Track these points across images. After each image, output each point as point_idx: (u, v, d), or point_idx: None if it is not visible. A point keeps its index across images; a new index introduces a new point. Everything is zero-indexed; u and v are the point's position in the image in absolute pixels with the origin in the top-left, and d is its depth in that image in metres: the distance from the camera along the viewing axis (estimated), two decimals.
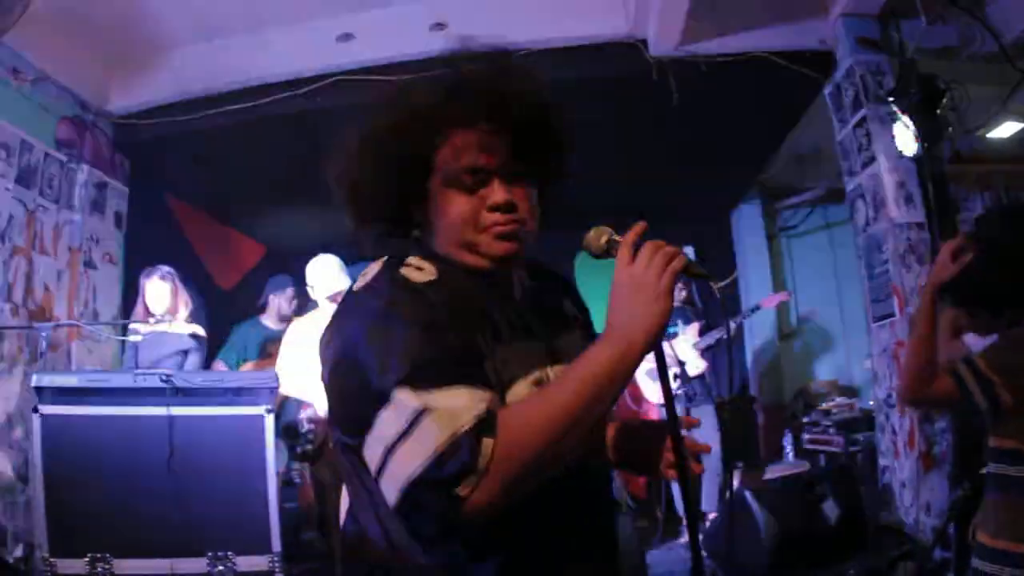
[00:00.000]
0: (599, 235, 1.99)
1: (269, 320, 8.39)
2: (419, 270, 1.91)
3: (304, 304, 8.26)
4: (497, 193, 1.95)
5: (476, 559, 1.80)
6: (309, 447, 6.32)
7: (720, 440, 7.70)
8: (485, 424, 1.63)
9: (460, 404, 1.64)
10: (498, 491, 1.60)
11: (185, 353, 6.93)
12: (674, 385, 8.11)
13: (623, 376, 1.76)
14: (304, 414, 6.46)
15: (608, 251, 1.96)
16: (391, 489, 1.65)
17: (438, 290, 1.85)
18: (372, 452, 1.71)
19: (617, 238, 1.96)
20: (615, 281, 1.85)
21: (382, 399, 1.68)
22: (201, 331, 7.13)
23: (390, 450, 1.65)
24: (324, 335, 1.92)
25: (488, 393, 1.71)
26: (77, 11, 6.85)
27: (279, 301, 8.39)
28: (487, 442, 1.61)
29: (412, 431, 1.63)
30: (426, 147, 1.97)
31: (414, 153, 1.97)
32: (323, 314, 6.65)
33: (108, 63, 7.81)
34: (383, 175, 2.01)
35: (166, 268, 7.11)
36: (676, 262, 1.81)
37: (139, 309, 7.08)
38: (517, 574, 1.83)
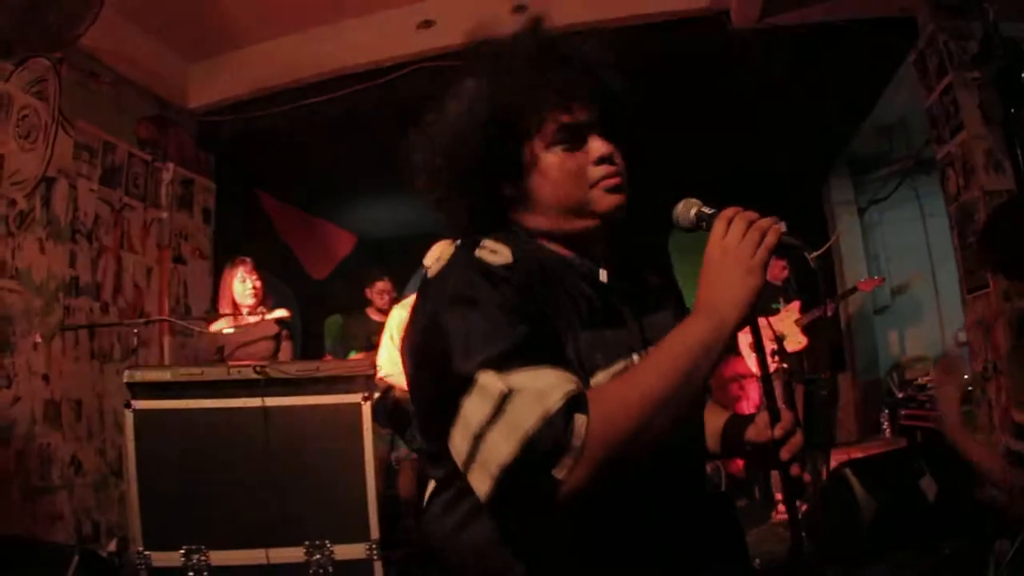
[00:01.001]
0: (688, 207, 1.96)
1: (373, 312, 8.43)
2: (494, 253, 1.84)
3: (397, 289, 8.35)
4: (600, 146, 1.93)
5: (566, 547, 1.72)
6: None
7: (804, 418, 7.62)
8: (577, 402, 1.56)
9: (548, 383, 1.58)
10: (595, 472, 1.54)
11: (276, 338, 6.95)
12: (771, 361, 8.07)
13: (716, 352, 1.71)
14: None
15: (698, 223, 1.94)
16: (482, 479, 1.59)
17: (516, 273, 1.78)
18: (458, 443, 1.64)
19: (706, 210, 1.94)
20: (707, 255, 1.82)
21: (464, 385, 1.62)
22: (285, 312, 7.10)
23: (478, 437, 1.58)
24: (407, 324, 1.89)
25: (574, 375, 1.65)
26: (152, 10, 6.94)
27: (371, 294, 8.42)
28: (580, 419, 1.54)
29: (500, 415, 1.56)
30: (527, 114, 1.92)
31: (514, 121, 1.91)
32: None
33: (186, 60, 7.92)
34: (481, 147, 1.92)
35: (248, 259, 7.07)
36: (770, 236, 1.79)
37: (226, 301, 7.05)
38: (607, 562, 1.74)
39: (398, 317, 6.84)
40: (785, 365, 7.83)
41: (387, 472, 7.88)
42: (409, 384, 1.88)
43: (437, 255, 1.89)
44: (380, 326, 7.88)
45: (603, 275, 1.99)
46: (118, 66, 7.11)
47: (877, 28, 6.79)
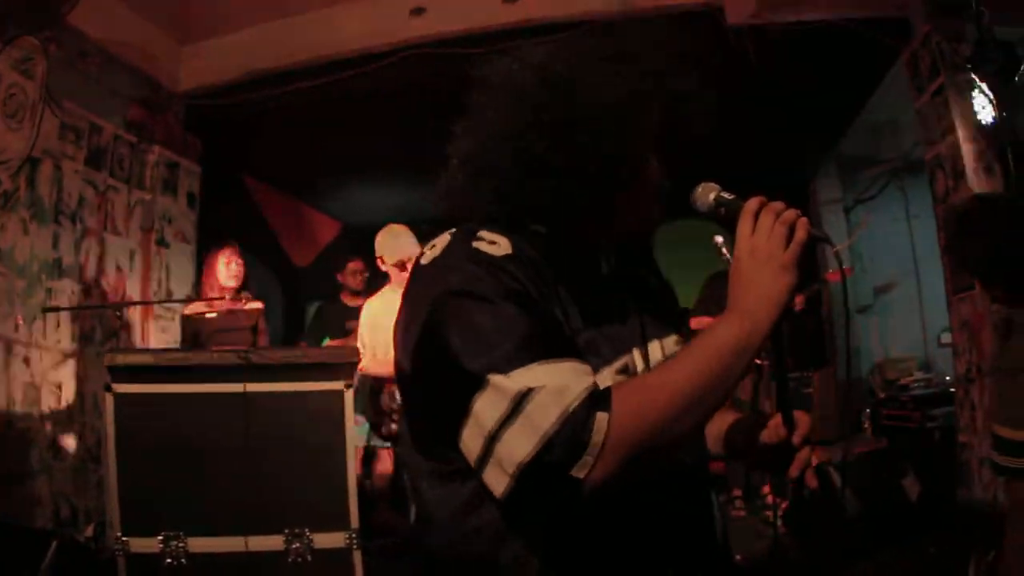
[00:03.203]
0: (707, 192, 1.92)
1: (346, 297, 8.40)
2: (493, 244, 1.76)
3: (374, 277, 8.29)
4: (663, 183, 1.94)
5: (574, 546, 1.69)
6: (395, 426, 6.31)
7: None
8: (597, 399, 1.53)
9: (566, 379, 1.53)
10: (615, 470, 1.51)
11: (254, 328, 6.90)
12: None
13: (750, 354, 1.67)
14: (388, 393, 6.46)
15: (716, 208, 1.90)
16: (498, 478, 1.55)
17: (517, 265, 1.72)
18: (470, 443, 1.59)
19: (726, 195, 1.91)
20: (736, 252, 1.77)
21: (475, 384, 1.56)
22: (259, 305, 7.06)
23: (493, 437, 1.54)
24: (399, 317, 1.80)
25: (589, 367, 1.62)
26: None
27: (345, 278, 8.39)
28: (601, 417, 1.50)
29: (517, 413, 1.52)
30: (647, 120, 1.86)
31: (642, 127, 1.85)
32: (394, 288, 6.69)
33: (176, 43, 7.88)
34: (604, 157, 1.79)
35: (235, 243, 7.02)
36: (800, 230, 1.74)
37: (210, 284, 6.99)
38: (614, 560, 1.72)
39: (373, 308, 6.80)
40: (766, 362, 7.85)
41: (365, 460, 7.89)
42: (405, 379, 1.79)
43: (432, 243, 1.83)
44: (354, 311, 7.88)
45: (604, 265, 1.99)
46: (107, 47, 7.05)
47: (870, 27, 6.79)
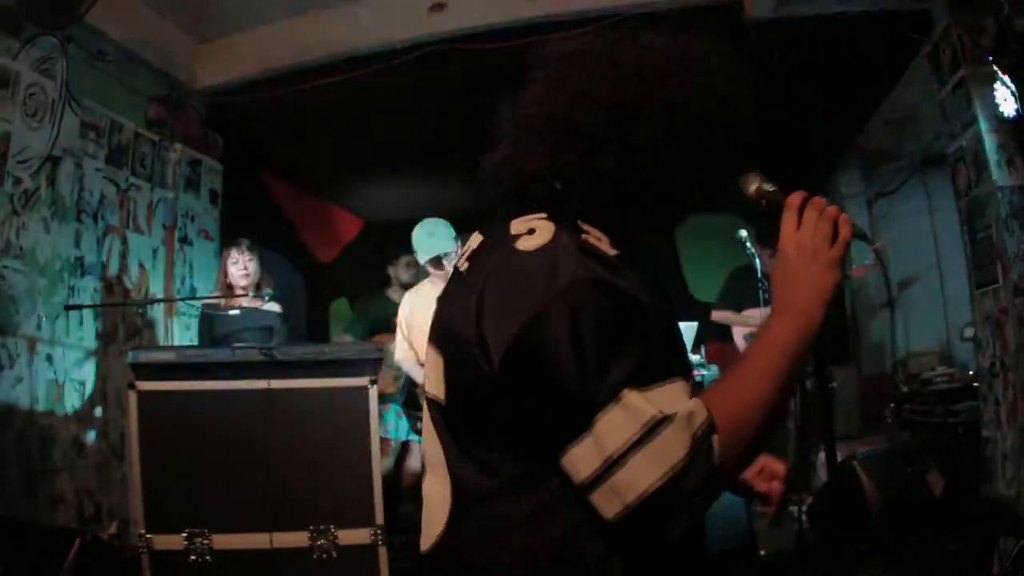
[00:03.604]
0: (750, 182, 1.93)
1: (394, 292, 8.40)
2: (599, 240, 1.72)
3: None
4: None
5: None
6: None
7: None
8: (712, 424, 1.51)
9: (686, 405, 1.51)
10: (722, 487, 1.58)
11: (270, 330, 6.90)
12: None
13: (805, 351, 1.68)
14: None
15: (758, 200, 1.91)
16: (610, 502, 1.50)
17: (626, 265, 1.67)
18: (583, 461, 1.52)
19: (768, 187, 1.91)
20: (781, 250, 1.78)
21: (600, 399, 1.50)
22: (278, 308, 7.08)
23: (615, 459, 1.48)
24: (479, 303, 1.67)
25: (689, 382, 1.62)
26: None
27: (395, 271, 8.37)
28: (715, 441, 1.50)
29: (649, 440, 1.47)
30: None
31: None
32: (433, 283, 6.68)
33: (196, 41, 7.88)
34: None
35: (243, 240, 6.99)
36: (844, 228, 1.76)
37: (222, 282, 6.99)
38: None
39: (411, 302, 6.78)
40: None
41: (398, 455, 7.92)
42: (478, 376, 1.66)
43: (529, 227, 1.70)
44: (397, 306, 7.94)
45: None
46: (126, 45, 7.07)
47: (891, 21, 6.76)
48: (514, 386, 1.61)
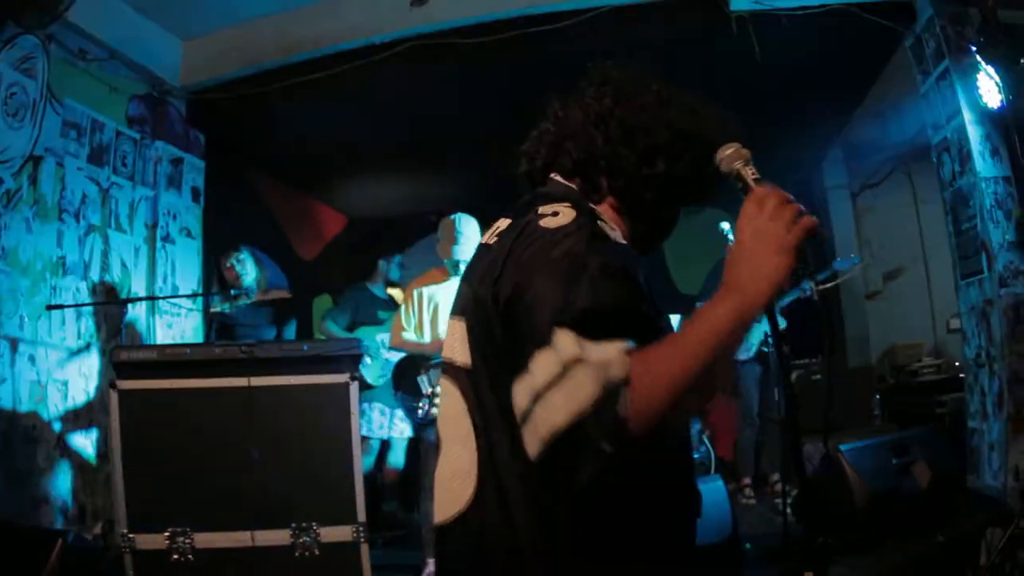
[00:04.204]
0: (733, 158, 2.01)
1: (375, 286, 8.41)
2: (613, 230, 2.00)
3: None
4: None
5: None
6: (434, 410, 6.31)
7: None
8: (627, 377, 1.62)
9: (612, 357, 1.63)
10: (631, 442, 1.61)
11: (276, 323, 7.03)
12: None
13: (742, 330, 1.75)
14: (426, 378, 6.46)
15: (734, 179, 2.00)
16: (533, 439, 1.71)
17: (629, 250, 1.97)
18: (519, 397, 1.74)
19: (749, 170, 2.00)
20: (738, 233, 1.87)
21: (542, 338, 1.69)
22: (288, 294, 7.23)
23: (539, 396, 1.67)
24: (502, 266, 1.91)
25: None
26: None
27: (387, 267, 8.45)
28: (625, 393, 1.60)
29: (563, 381, 1.63)
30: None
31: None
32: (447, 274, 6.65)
33: (179, 38, 7.84)
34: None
35: (229, 250, 7.33)
36: (806, 219, 1.83)
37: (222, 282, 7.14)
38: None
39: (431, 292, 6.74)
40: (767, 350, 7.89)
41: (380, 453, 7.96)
42: (486, 322, 1.93)
43: (555, 210, 1.95)
44: (386, 302, 8.25)
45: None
46: (107, 43, 7.02)
47: (874, 12, 6.74)
48: (504, 337, 1.87)
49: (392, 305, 8.27)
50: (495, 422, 1.90)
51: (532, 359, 1.70)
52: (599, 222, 1.97)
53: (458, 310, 2.09)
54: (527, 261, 1.85)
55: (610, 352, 1.64)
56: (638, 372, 1.63)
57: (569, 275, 1.75)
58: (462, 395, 2.00)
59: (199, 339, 7.92)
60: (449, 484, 2.01)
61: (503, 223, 2.12)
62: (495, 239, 2.06)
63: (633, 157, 2.09)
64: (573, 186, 2.17)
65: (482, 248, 2.12)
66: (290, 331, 7.47)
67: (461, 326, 2.03)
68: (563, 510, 1.84)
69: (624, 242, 2.00)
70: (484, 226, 6.44)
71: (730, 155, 2.00)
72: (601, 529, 1.86)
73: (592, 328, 1.67)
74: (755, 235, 1.82)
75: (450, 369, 2.07)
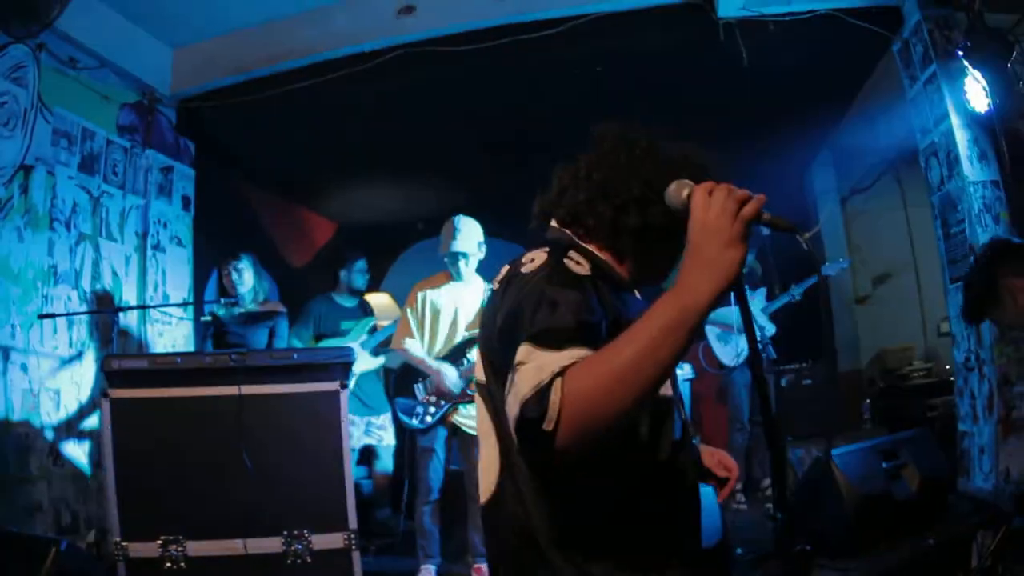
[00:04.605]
0: (680, 188, 2.05)
1: (340, 296, 8.37)
2: (578, 264, 2.23)
3: (373, 277, 8.36)
4: None
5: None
6: (429, 418, 6.33)
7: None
8: (562, 369, 1.81)
9: (551, 359, 1.84)
10: (574, 431, 1.76)
11: (273, 331, 7.05)
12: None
13: (688, 328, 1.81)
14: (423, 386, 6.48)
15: (687, 204, 1.99)
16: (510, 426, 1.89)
17: (590, 283, 2.15)
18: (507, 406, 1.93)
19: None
20: (688, 232, 1.92)
21: (515, 356, 1.92)
22: (282, 307, 7.37)
23: (505, 395, 1.92)
24: (495, 310, 2.25)
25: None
26: None
27: (351, 275, 8.36)
28: (556, 387, 1.78)
29: (513, 385, 1.88)
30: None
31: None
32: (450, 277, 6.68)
33: (168, 47, 7.84)
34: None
35: (229, 258, 7.38)
36: (749, 207, 1.87)
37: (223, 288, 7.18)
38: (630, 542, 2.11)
39: (428, 296, 6.73)
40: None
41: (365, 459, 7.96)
42: (492, 351, 2.24)
43: (531, 258, 2.27)
44: (351, 311, 8.30)
45: (636, 294, 2.45)
46: (98, 52, 7.03)
47: (862, 17, 6.77)
48: (502, 358, 2.06)
49: (358, 313, 8.27)
50: (506, 427, 2.02)
51: (515, 367, 1.91)
52: (565, 260, 2.23)
53: (479, 343, 2.42)
54: (509, 300, 2.15)
55: (556, 357, 1.85)
56: (575, 369, 1.80)
57: (532, 304, 2.02)
58: (483, 404, 2.33)
59: (191, 347, 7.95)
60: (484, 474, 2.30)
61: (504, 270, 2.38)
62: (498, 286, 2.33)
63: (609, 211, 2.32)
64: (569, 232, 2.42)
65: (492, 293, 2.39)
66: (282, 340, 7.46)
67: (479, 354, 2.37)
68: (561, 503, 2.11)
69: (587, 273, 2.21)
70: (484, 227, 6.48)
71: (673, 191, 2.07)
72: (597, 523, 2.10)
73: (546, 341, 1.90)
74: (702, 231, 1.87)
75: (478, 386, 2.37)
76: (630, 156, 2.35)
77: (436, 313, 6.55)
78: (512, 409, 1.85)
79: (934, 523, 5.59)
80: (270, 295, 7.67)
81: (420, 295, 6.71)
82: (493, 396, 2.24)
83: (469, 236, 6.44)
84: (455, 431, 6.37)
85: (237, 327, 7.32)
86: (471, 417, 6.20)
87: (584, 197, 2.37)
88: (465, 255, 6.41)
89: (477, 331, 6.04)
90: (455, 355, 6.41)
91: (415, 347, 6.59)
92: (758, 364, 2.23)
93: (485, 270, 6.53)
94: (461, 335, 6.45)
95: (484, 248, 6.56)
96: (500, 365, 2.10)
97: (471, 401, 6.16)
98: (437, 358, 6.43)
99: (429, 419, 6.35)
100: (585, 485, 2.08)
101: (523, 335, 1.95)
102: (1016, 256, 3.94)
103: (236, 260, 7.33)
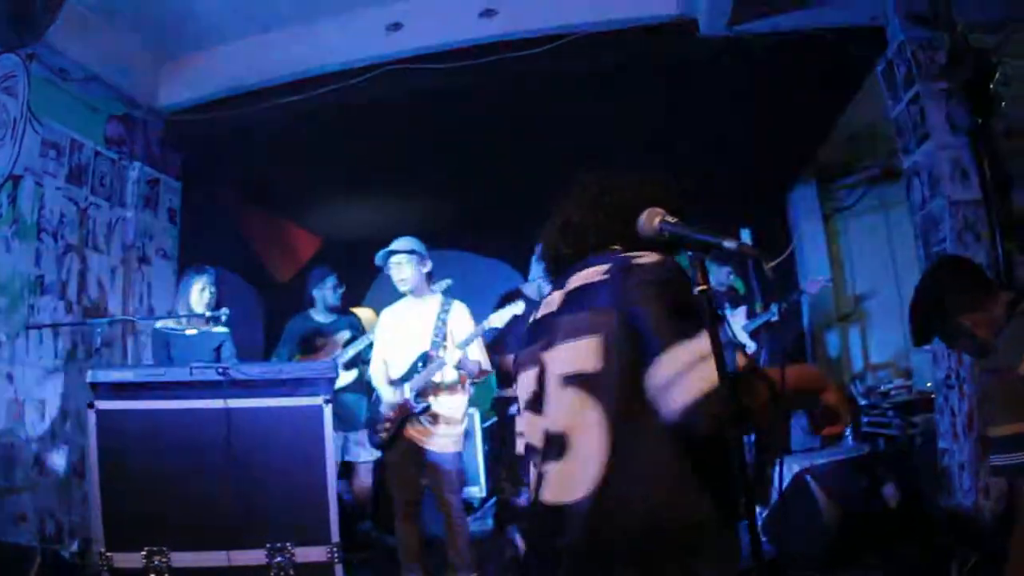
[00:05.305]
0: (652, 216, 2.39)
1: (317, 313, 8.36)
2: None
3: (357, 292, 8.33)
4: None
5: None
6: (384, 434, 6.34)
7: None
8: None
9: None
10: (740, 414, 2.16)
11: (218, 350, 6.97)
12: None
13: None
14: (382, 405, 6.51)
15: (660, 232, 2.35)
16: (675, 402, 2.18)
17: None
18: (656, 378, 2.23)
19: (669, 219, 2.35)
20: None
21: (665, 342, 2.22)
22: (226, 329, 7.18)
23: (676, 378, 2.18)
24: (625, 291, 2.39)
25: None
26: (124, 9, 6.92)
27: (323, 293, 8.34)
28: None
29: (696, 367, 2.15)
30: None
31: None
32: (407, 302, 6.66)
33: (157, 60, 7.86)
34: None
35: (210, 270, 7.18)
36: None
37: (183, 303, 7.04)
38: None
39: (386, 323, 6.74)
40: None
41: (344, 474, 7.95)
42: (604, 340, 2.39)
43: (640, 254, 2.46)
44: (327, 327, 8.26)
45: None
46: (87, 64, 7.03)
47: (846, 37, 6.81)
48: (627, 341, 2.34)
49: (338, 328, 8.29)
50: (623, 412, 2.32)
51: (665, 353, 2.21)
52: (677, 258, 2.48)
53: (585, 331, 2.47)
54: (649, 286, 2.35)
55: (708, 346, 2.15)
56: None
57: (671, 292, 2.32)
58: (584, 395, 2.40)
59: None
60: (581, 469, 2.36)
61: (574, 280, 2.61)
62: (577, 284, 2.58)
63: (627, 227, 2.52)
64: (618, 247, 2.62)
65: (566, 294, 2.63)
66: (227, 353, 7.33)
67: (584, 343, 2.44)
68: (686, 476, 2.28)
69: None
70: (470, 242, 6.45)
71: (646, 219, 2.42)
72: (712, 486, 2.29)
73: (692, 330, 2.21)
74: None
75: (579, 378, 2.43)
76: (631, 182, 2.73)
77: (395, 333, 6.57)
78: (690, 390, 2.15)
79: (914, 539, 5.63)
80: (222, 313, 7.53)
81: (380, 318, 6.78)
82: (603, 386, 2.37)
83: (401, 243, 6.46)
84: (412, 444, 6.35)
85: (182, 339, 7.17)
86: (423, 431, 6.27)
87: (603, 217, 2.67)
88: (394, 251, 6.44)
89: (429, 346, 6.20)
90: (410, 373, 6.40)
91: (373, 374, 6.66)
92: (731, 381, 2.37)
93: (463, 286, 6.55)
94: (417, 352, 6.42)
95: (428, 261, 6.54)
96: (625, 346, 2.32)
97: (421, 414, 6.24)
98: (398, 377, 6.43)
99: (384, 435, 6.37)
100: (711, 453, 2.26)
101: (675, 327, 2.24)
102: (963, 290, 3.99)
103: (198, 273, 7.19)
